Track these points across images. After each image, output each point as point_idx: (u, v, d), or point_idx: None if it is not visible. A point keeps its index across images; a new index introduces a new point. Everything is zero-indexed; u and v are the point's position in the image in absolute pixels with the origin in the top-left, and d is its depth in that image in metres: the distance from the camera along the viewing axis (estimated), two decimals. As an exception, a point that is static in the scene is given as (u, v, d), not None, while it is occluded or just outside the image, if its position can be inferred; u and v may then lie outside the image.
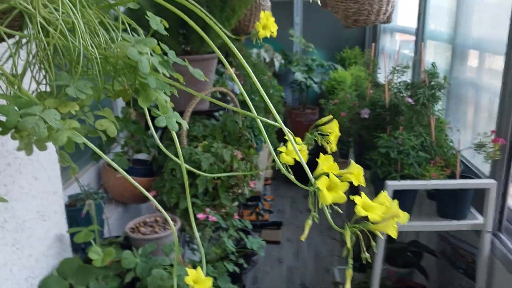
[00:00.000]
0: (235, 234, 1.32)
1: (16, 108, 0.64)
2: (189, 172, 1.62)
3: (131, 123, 1.66)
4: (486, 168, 1.77)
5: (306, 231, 0.59)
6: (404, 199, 1.68)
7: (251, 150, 1.70)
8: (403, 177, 1.65)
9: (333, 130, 0.74)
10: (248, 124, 2.19)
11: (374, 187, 1.80)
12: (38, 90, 0.79)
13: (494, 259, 1.66)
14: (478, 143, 1.61)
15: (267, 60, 3.14)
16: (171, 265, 1.18)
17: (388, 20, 2.06)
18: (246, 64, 0.70)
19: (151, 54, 0.72)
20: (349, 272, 0.55)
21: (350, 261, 0.55)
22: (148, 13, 0.84)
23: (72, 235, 1.32)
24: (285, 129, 0.70)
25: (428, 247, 2.13)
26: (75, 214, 1.38)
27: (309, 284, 2.62)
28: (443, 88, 1.72)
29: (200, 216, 1.46)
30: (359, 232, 0.55)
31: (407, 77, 2.68)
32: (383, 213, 0.53)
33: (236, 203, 1.67)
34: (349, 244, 0.54)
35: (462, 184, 1.61)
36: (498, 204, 1.66)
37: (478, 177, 1.79)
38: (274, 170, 4.20)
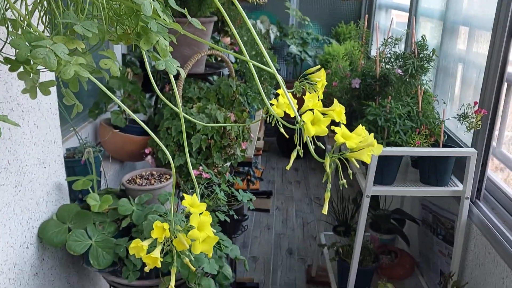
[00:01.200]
0: (226, 188, 1.39)
1: (26, 43, 0.69)
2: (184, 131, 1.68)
3: (129, 83, 1.70)
4: (468, 139, 1.84)
5: (291, 161, 0.65)
6: (390, 165, 1.75)
7: (244, 113, 1.76)
8: (389, 144, 1.72)
9: (320, 78, 0.80)
10: (242, 92, 2.24)
11: (361, 153, 1.87)
12: (45, 33, 0.83)
13: (471, 224, 1.75)
14: (462, 113, 1.68)
15: (263, 31, 3.17)
16: (166, 213, 1.25)
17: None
18: (243, 14, 0.75)
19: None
20: (327, 195, 0.61)
21: (329, 186, 0.62)
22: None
23: (70, 185, 1.38)
24: (278, 76, 0.76)
25: (411, 215, 2.23)
26: (74, 165, 1.44)
27: (296, 249, 2.72)
28: (431, 60, 1.78)
29: (194, 172, 1.52)
30: (338, 161, 0.62)
31: (400, 51, 2.73)
32: (360, 142, 0.59)
33: (228, 164, 1.73)
34: (328, 169, 0.60)
35: (444, 152, 1.68)
36: (478, 173, 1.74)
37: (460, 147, 1.87)
38: (266, 142, 4.27)
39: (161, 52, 0.78)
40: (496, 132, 1.74)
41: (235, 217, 1.35)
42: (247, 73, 2.14)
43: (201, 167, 1.59)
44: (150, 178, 1.43)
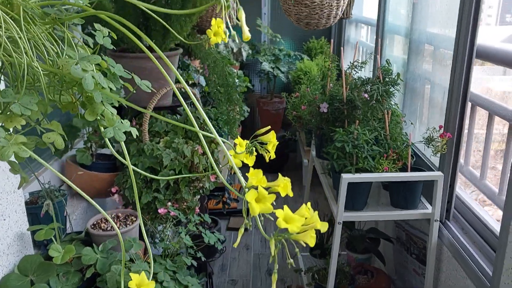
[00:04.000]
0: (194, 229, 1.38)
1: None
2: (152, 167, 1.64)
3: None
4: (436, 159, 1.87)
5: (238, 239, 0.65)
6: (359, 190, 1.76)
7: (212, 145, 1.74)
8: (358, 170, 1.73)
9: (270, 140, 0.79)
10: (212, 117, 2.23)
11: (332, 178, 1.88)
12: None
13: (442, 245, 1.76)
14: (428, 137, 1.70)
15: (235, 50, 3.17)
16: (131, 260, 1.22)
17: (347, 16, 2.12)
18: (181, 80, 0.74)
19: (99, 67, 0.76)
20: (274, 277, 0.61)
21: (276, 266, 0.61)
22: (96, 25, 0.87)
23: (33, 233, 1.35)
24: (219, 140, 0.75)
25: (385, 234, 2.24)
26: (37, 211, 1.41)
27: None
28: (396, 84, 1.80)
29: (161, 210, 1.50)
30: (284, 241, 0.61)
31: (369, 69, 2.76)
32: (303, 225, 0.59)
33: (197, 197, 1.72)
34: (273, 252, 0.59)
35: (412, 177, 1.70)
36: (446, 194, 1.76)
37: (430, 168, 1.89)
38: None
39: (107, 121, 0.77)
40: (462, 152, 1.77)
41: (203, 259, 1.33)
42: (217, 97, 2.13)
43: (169, 203, 1.57)
44: (115, 221, 1.41)
